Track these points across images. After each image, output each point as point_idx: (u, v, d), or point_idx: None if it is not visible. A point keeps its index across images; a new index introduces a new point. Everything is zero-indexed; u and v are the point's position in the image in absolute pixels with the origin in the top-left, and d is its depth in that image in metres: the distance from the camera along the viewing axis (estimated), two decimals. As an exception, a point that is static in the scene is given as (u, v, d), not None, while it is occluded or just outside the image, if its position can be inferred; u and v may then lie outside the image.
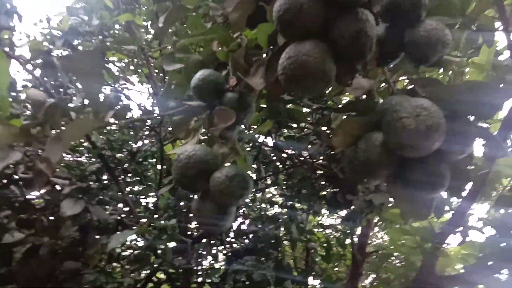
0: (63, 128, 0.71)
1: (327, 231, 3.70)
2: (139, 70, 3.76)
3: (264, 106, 1.28)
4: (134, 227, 1.99)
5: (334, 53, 0.58)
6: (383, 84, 1.00)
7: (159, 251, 2.35)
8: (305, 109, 1.74)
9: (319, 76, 0.56)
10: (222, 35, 0.94)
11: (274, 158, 2.59)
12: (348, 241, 3.29)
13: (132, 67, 3.73)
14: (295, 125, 1.85)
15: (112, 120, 0.80)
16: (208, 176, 0.65)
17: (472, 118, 0.61)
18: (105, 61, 1.94)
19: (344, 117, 0.70)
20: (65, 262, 1.91)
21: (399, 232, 2.34)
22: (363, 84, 0.74)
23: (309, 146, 1.91)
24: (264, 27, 0.78)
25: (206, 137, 0.95)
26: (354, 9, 0.57)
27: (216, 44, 0.99)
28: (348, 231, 2.83)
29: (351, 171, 0.67)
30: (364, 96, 0.76)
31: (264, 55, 0.88)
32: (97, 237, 1.99)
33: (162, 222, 1.93)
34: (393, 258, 3.88)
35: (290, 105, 1.46)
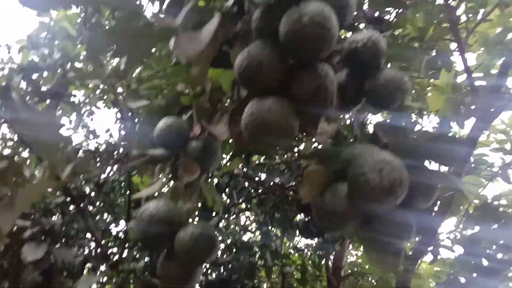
0: (17, 189, 0.67)
1: (301, 253, 3.68)
2: (105, 97, 3.68)
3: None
4: (102, 270, 1.91)
5: (296, 107, 0.58)
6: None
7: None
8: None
9: (281, 133, 0.55)
10: (186, 78, 0.93)
11: (246, 185, 2.57)
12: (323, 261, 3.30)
13: (97, 92, 3.66)
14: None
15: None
16: (173, 235, 0.63)
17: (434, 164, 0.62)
18: (68, 94, 1.88)
19: (310, 166, 0.69)
20: (28, 308, 1.79)
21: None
22: (327, 129, 0.74)
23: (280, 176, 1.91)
24: (228, 74, 0.77)
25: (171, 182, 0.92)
26: (314, 64, 0.57)
27: (181, 85, 0.98)
28: (323, 255, 2.83)
29: (319, 220, 0.66)
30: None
31: (229, 100, 0.87)
32: (62, 280, 1.89)
33: (131, 264, 1.85)
34: (368, 275, 3.90)
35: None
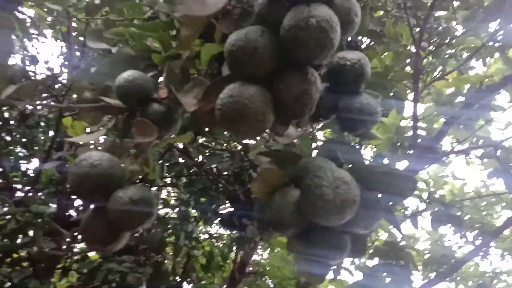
0: None
1: (212, 240, 3.69)
2: (57, 27, 3.39)
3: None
4: (6, 205, 1.75)
5: (276, 104, 0.57)
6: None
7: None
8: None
9: (255, 125, 0.54)
10: (162, 36, 0.88)
11: (181, 161, 2.51)
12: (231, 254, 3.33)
13: (49, 20, 3.35)
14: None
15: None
16: (109, 192, 0.59)
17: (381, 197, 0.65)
18: (18, 10, 1.69)
19: (265, 164, 0.69)
20: None
21: (280, 259, 2.43)
22: (292, 133, 0.74)
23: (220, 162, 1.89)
24: (210, 47, 0.74)
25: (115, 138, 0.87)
26: (305, 68, 0.57)
27: (151, 41, 0.92)
28: (234, 247, 2.86)
29: (259, 220, 0.66)
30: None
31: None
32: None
33: (40, 206, 1.72)
34: (267, 277, 4.01)
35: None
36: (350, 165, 0.65)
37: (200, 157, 2.25)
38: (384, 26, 2.15)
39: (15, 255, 2.49)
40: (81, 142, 0.93)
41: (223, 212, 2.21)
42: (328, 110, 0.73)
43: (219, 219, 2.24)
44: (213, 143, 2.04)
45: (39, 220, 1.96)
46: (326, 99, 0.73)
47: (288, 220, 0.60)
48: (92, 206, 0.62)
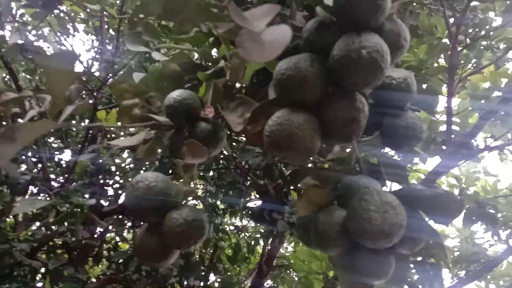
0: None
1: (239, 232, 3.76)
2: (90, 22, 3.46)
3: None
4: (47, 197, 1.84)
5: (323, 130, 0.58)
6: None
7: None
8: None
9: (304, 152, 0.56)
10: (205, 52, 0.90)
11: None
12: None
13: (82, 15, 3.43)
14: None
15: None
16: (164, 212, 0.62)
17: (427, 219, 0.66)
18: (57, 7, 1.75)
19: (308, 180, 0.71)
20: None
21: (308, 254, 2.45)
22: (334, 150, 0.76)
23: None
24: (255, 64, 0.76)
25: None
26: (353, 93, 0.58)
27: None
28: (261, 240, 2.91)
29: (302, 236, 0.68)
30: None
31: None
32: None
33: (80, 199, 1.80)
34: (291, 270, 4.05)
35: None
36: (396, 188, 0.66)
37: (230, 151, 2.29)
38: (417, 18, 2.09)
39: (50, 243, 2.63)
40: (122, 145, 0.97)
41: (253, 205, 2.25)
42: (372, 127, 0.74)
43: (249, 212, 2.28)
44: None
45: (79, 210, 2.05)
46: (371, 116, 0.73)
47: (333, 239, 0.61)
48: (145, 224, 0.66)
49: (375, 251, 0.61)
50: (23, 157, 2.62)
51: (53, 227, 2.43)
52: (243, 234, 3.71)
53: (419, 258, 2.13)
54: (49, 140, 3.55)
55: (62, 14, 2.41)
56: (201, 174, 2.86)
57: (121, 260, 2.49)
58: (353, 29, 0.56)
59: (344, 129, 0.57)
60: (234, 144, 2.15)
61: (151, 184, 0.62)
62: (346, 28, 0.57)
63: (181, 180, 0.66)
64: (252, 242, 3.17)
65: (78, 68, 2.96)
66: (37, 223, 2.79)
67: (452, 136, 2.16)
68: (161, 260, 0.63)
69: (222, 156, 2.39)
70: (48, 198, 2.31)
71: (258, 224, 2.83)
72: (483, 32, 2.42)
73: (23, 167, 2.87)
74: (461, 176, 2.54)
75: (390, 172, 0.71)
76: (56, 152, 3.46)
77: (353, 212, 0.59)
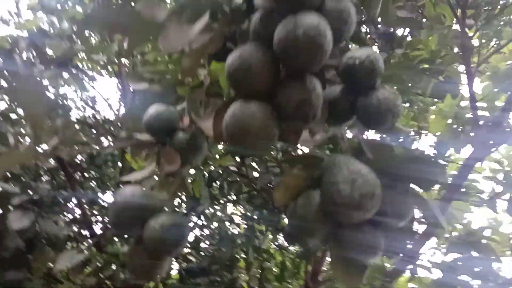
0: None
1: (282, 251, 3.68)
2: (110, 68, 3.67)
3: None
4: (84, 250, 1.92)
5: (278, 116, 0.58)
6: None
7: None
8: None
9: (260, 139, 0.56)
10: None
11: (238, 179, 2.58)
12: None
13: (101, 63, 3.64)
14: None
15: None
16: (144, 222, 0.64)
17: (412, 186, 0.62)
18: (72, 65, 1.88)
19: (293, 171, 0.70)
20: (8, 272, 1.81)
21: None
22: (311, 138, 0.75)
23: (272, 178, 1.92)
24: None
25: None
26: (303, 76, 0.58)
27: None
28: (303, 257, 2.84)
29: (291, 226, 0.67)
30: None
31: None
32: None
33: (114, 246, 1.86)
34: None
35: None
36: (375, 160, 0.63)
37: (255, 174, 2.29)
38: (414, 11, 2.05)
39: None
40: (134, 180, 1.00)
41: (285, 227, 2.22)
42: (348, 111, 0.72)
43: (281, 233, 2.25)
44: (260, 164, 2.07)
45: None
46: (344, 101, 0.72)
47: (314, 222, 0.59)
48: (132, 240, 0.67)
49: (359, 228, 0.59)
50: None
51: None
52: (286, 252, 3.64)
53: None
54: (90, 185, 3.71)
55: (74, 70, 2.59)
56: (234, 199, 2.88)
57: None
58: (291, 12, 0.56)
59: (298, 111, 0.57)
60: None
61: (127, 198, 0.64)
62: (286, 12, 0.57)
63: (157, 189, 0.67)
64: (297, 259, 3.09)
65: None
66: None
67: (481, 122, 2.05)
68: (150, 273, 0.64)
69: (246, 181, 2.41)
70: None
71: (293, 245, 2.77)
72: (498, 8, 2.32)
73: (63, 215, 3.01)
74: (502, 159, 2.38)
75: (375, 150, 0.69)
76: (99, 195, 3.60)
77: (323, 189, 0.58)
